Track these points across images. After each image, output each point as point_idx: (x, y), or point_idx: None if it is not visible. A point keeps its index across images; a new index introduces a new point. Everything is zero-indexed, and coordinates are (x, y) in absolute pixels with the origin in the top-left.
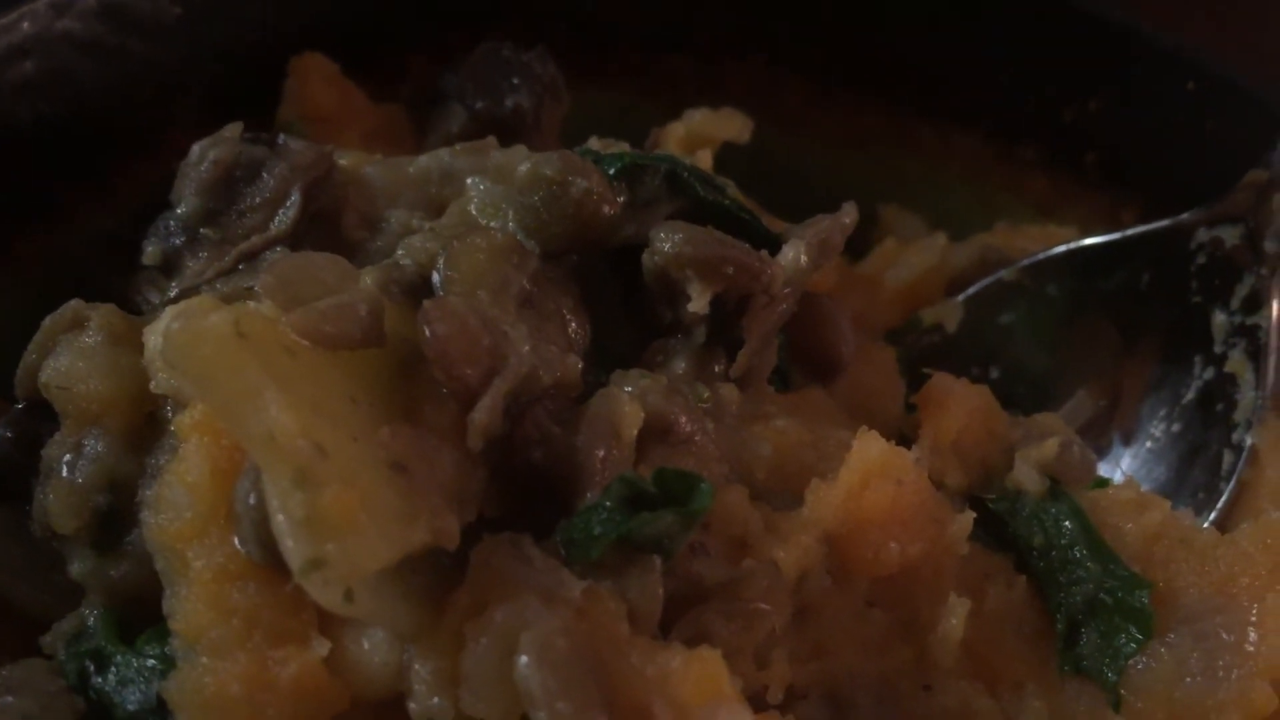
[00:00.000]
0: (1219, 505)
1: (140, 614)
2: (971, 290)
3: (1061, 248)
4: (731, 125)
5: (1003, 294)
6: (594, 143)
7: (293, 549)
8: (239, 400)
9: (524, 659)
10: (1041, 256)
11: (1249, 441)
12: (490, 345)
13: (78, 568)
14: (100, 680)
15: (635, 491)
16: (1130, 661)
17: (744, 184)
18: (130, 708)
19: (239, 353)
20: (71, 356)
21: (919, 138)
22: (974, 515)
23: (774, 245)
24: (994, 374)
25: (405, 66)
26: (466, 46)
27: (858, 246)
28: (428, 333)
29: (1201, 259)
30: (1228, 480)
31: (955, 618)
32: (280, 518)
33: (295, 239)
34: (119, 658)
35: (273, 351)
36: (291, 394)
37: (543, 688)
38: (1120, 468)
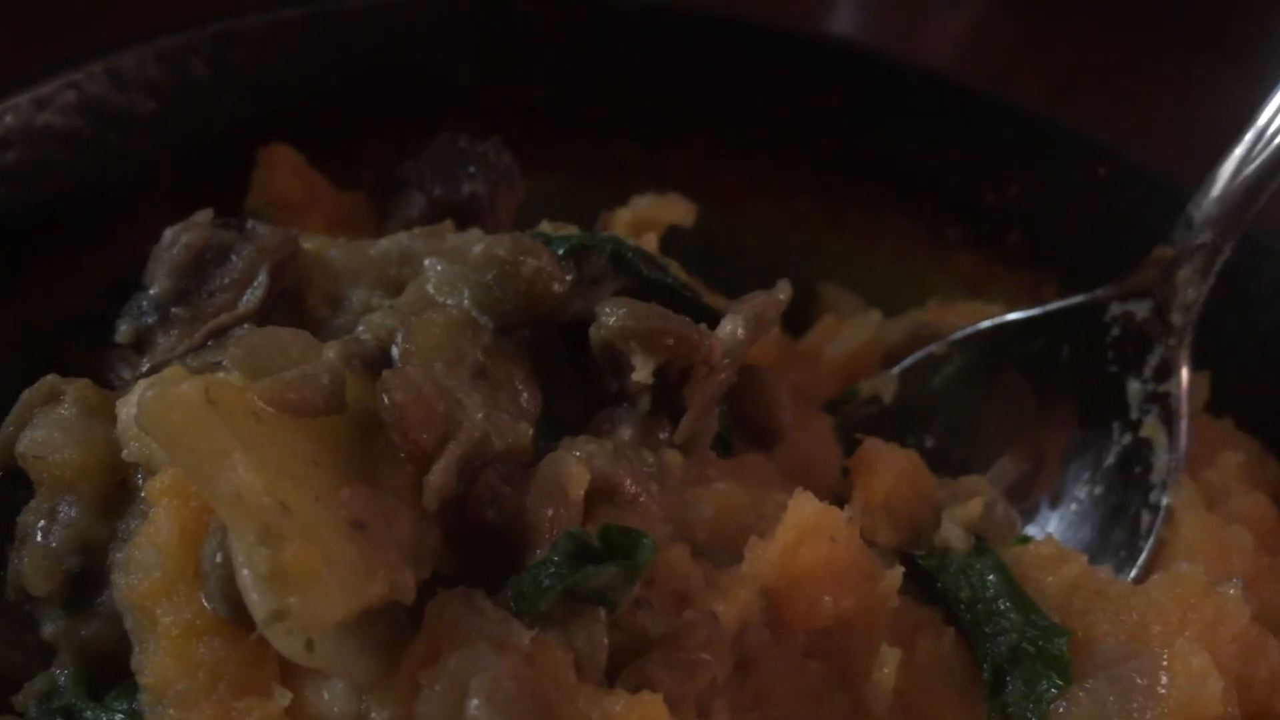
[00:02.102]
0: (1139, 562)
1: (109, 673)
2: (905, 363)
3: (987, 323)
4: (676, 210)
5: (934, 366)
6: (545, 226)
7: (257, 601)
8: (208, 461)
9: (474, 701)
10: (968, 331)
11: (1165, 502)
12: (445, 412)
13: (50, 629)
14: None
15: (581, 546)
16: (1052, 706)
17: (688, 264)
18: None
19: (208, 417)
20: (47, 428)
21: (851, 220)
22: (903, 570)
23: (714, 320)
24: (928, 442)
25: (366, 156)
26: (425, 137)
27: (799, 323)
28: (386, 400)
29: (1115, 331)
30: (1146, 538)
31: (887, 667)
32: (245, 572)
33: (262, 316)
34: (88, 713)
35: (240, 417)
36: (257, 456)
37: None
38: (1048, 529)
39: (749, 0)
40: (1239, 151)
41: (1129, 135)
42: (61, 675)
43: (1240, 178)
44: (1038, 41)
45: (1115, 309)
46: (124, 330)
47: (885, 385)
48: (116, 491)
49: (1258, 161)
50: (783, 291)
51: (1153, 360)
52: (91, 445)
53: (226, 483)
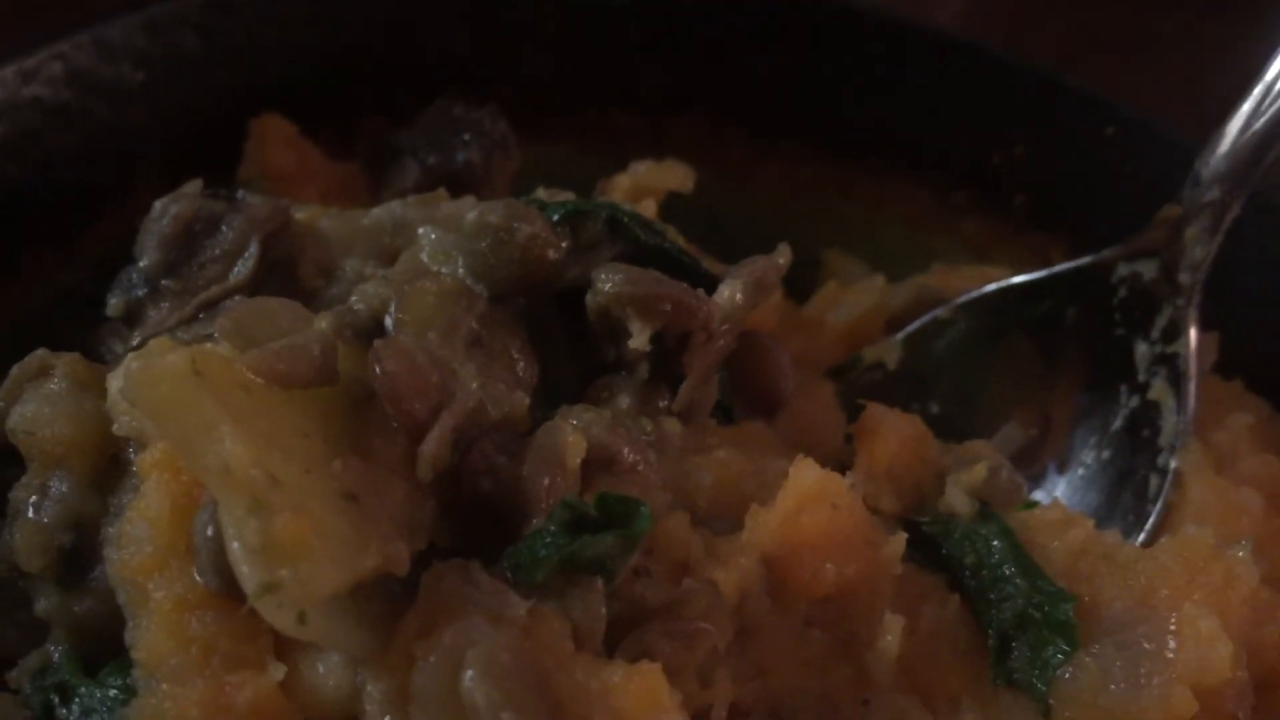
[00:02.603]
0: (1147, 527)
1: (103, 649)
2: (909, 328)
3: (992, 286)
4: (675, 176)
5: (939, 331)
6: (541, 193)
7: (247, 574)
8: (195, 434)
9: (469, 673)
10: (974, 295)
11: (1173, 465)
12: (438, 381)
13: (43, 605)
14: (64, 712)
15: (578, 515)
16: (1058, 672)
17: (692, 233)
18: None
19: (195, 389)
20: (37, 403)
21: (857, 186)
22: (906, 536)
23: (713, 285)
24: (934, 408)
25: (360, 126)
26: (420, 107)
27: (803, 290)
28: (378, 369)
29: (1123, 292)
30: (1155, 503)
31: (891, 635)
32: (235, 545)
33: (254, 288)
34: (82, 689)
35: (228, 388)
36: (245, 428)
37: (487, 700)
38: (1055, 494)
39: None
40: (1247, 107)
41: (1138, 98)
42: (55, 652)
43: (1249, 133)
44: (1045, 5)
45: (1122, 270)
46: (114, 304)
47: (889, 351)
48: (108, 466)
49: (1266, 116)
50: (782, 256)
51: (1160, 321)
52: (82, 420)
53: (214, 455)
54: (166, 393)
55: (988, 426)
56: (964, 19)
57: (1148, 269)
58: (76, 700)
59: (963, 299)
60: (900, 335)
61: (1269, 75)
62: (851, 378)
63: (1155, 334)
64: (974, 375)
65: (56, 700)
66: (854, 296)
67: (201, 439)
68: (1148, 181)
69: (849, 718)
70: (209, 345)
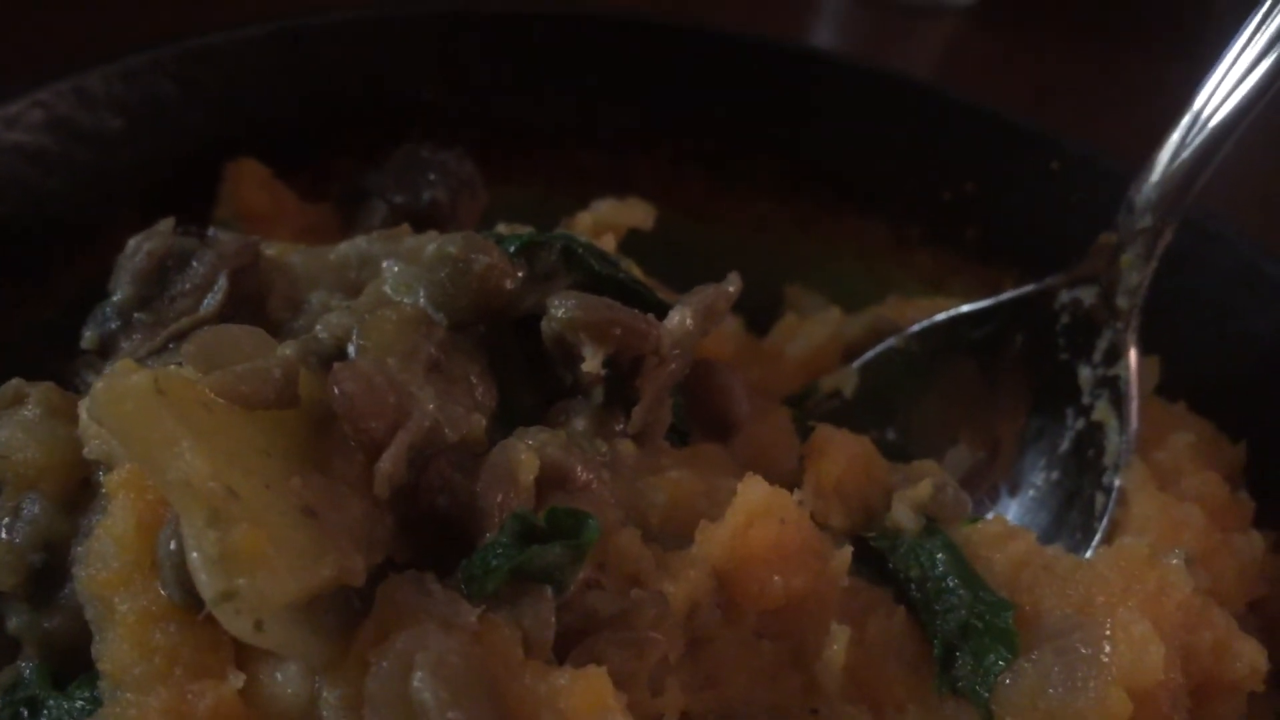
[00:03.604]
0: (1094, 544)
1: (73, 664)
2: (865, 357)
3: (942, 315)
4: (636, 213)
5: (892, 360)
6: (501, 228)
7: (205, 582)
8: (157, 448)
9: (419, 674)
10: (925, 324)
11: (1117, 483)
12: (395, 402)
13: (14, 623)
14: None
15: (528, 528)
16: (999, 679)
17: (654, 269)
18: None
19: (157, 406)
20: (11, 429)
21: (815, 222)
22: (852, 549)
23: (664, 313)
24: (890, 434)
25: (334, 169)
26: (391, 149)
27: (764, 323)
28: (336, 390)
29: (1065, 318)
30: (1100, 519)
31: (838, 645)
32: (195, 554)
33: (222, 320)
34: (50, 702)
35: (190, 407)
36: (206, 444)
37: (435, 699)
38: (1007, 515)
39: (735, 14)
40: (1175, 137)
41: (1107, 137)
42: (26, 668)
43: (1178, 161)
44: (1015, 53)
45: (1064, 296)
46: (89, 336)
47: (846, 379)
48: (78, 489)
49: (1193, 145)
50: (732, 284)
51: (1102, 345)
52: (54, 444)
53: (175, 469)
54: (130, 410)
55: (938, 450)
56: (942, 65)
57: (1088, 295)
58: (45, 712)
59: (915, 328)
60: (856, 364)
61: (1196, 104)
62: (809, 405)
63: (1097, 357)
64: (927, 402)
65: (25, 714)
66: (811, 327)
67: (163, 453)
68: (1092, 212)
69: None
70: (172, 367)
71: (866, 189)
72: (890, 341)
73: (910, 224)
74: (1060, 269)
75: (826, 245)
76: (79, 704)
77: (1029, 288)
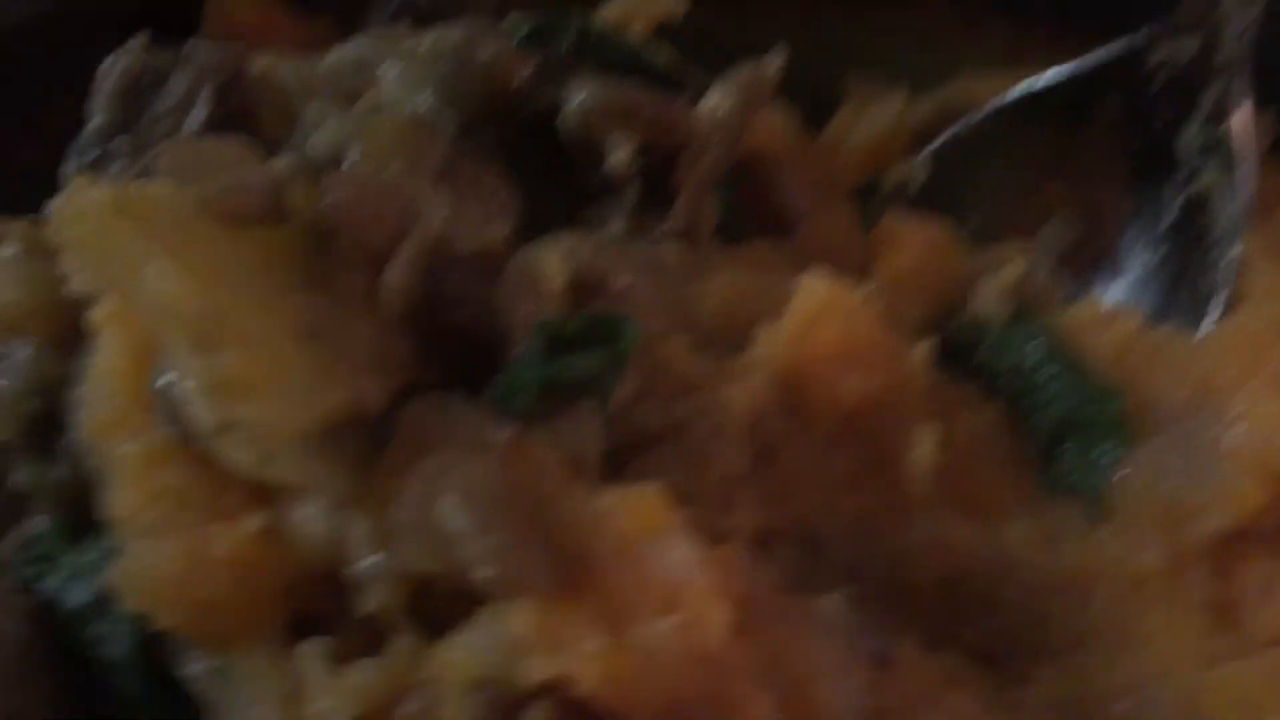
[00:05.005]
0: (1208, 322)
1: (86, 517)
2: (934, 144)
3: (1018, 89)
4: (665, 1)
5: (967, 143)
6: (515, 16)
7: (199, 414)
8: (127, 271)
9: (448, 498)
10: (1000, 100)
11: (1231, 255)
12: (399, 209)
13: (20, 476)
14: (50, 580)
15: (557, 336)
16: (1110, 473)
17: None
18: (74, 604)
19: (121, 225)
20: None
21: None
22: (932, 343)
23: (700, 99)
24: (970, 224)
25: None
26: None
27: (822, 118)
28: (332, 200)
29: (1162, 76)
30: (1215, 296)
31: (924, 446)
32: (185, 385)
33: None
34: (64, 558)
35: (160, 225)
36: (183, 263)
37: (470, 524)
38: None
39: None
40: None
41: None
42: (39, 522)
43: None
44: None
45: (1159, 53)
46: (69, 169)
47: (915, 169)
48: (69, 330)
49: None
50: (773, 60)
51: (1206, 103)
52: (37, 284)
53: (149, 293)
54: (92, 229)
55: (1024, 234)
56: None
57: (1187, 47)
58: (62, 569)
59: (988, 106)
60: (925, 152)
61: None
62: (875, 201)
63: (1201, 117)
64: (1005, 186)
65: (43, 571)
66: (873, 116)
67: (134, 275)
68: None
69: (885, 537)
70: (138, 181)
71: None
72: (961, 123)
73: None
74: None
75: (884, 23)
76: (93, 554)
77: (1116, 46)
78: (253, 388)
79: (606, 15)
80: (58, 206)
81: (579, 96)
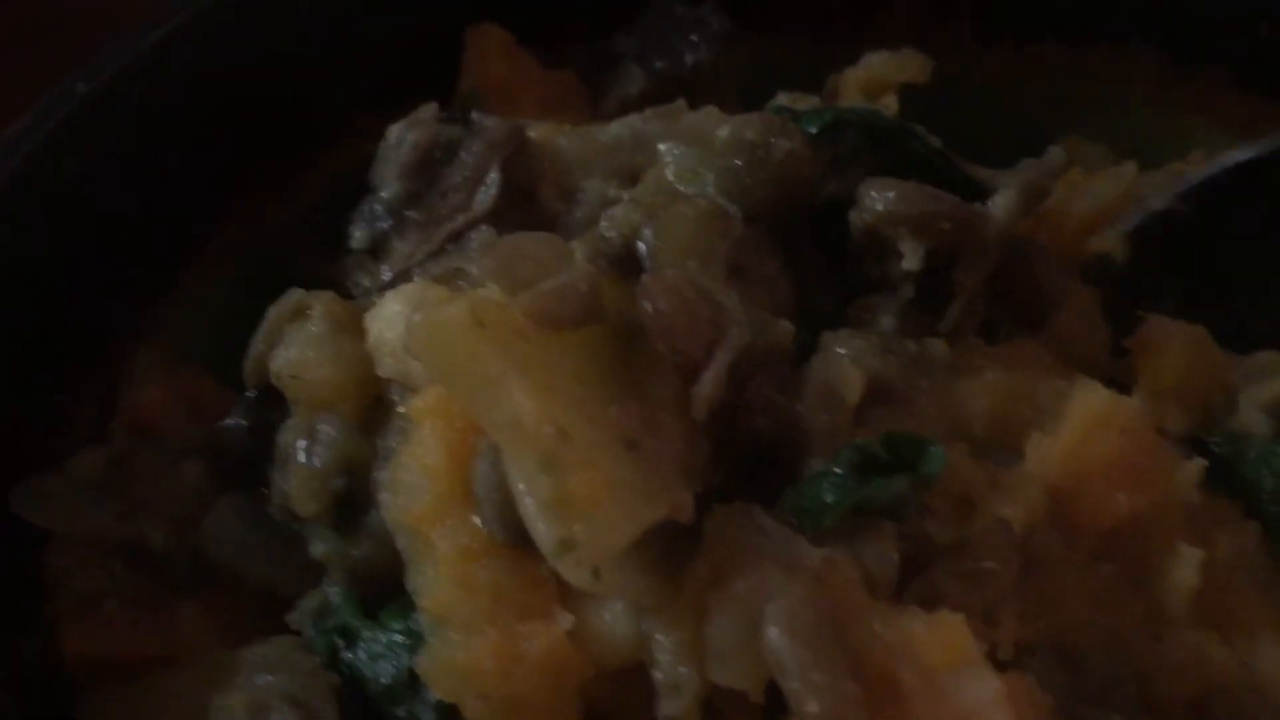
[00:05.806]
0: None
1: (379, 590)
2: (1131, 220)
3: (1219, 164)
4: (911, 66)
5: (1171, 222)
6: (782, 98)
7: (544, 532)
8: (483, 388)
9: (773, 630)
10: (1201, 175)
11: None
12: (709, 317)
13: (320, 549)
14: (350, 655)
15: (866, 457)
16: None
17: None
18: (384, 681)
19: (479, 341)
20: (300, 346)
21: (1097, 60)
22: (1204, 463)
23: (975, 192)
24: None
25: (567, 31)
26: (629, 6)
27: None
28: (650, 308)
29: None
30: None
31: (1188, 568)
32: (529, 500)
33: (497, 215)
34: (366, 633)
35: (508, 337)
36: (531, 379)
37: (795, 659)
38: None
39: None
40: None
41: None
42: (332, 593)
43: None
44: None
45: None
46: (359, 236)
47: (1116, 244)
48: (373, 408)
49: None
50: (1057, 159)
51: None
52: (344, 362)
53: (503, 410)
54: (451, 346)
55: (1270, 331)
56: None
57: None
58: (362, 645)
59: (1189, 181)
60: (1125, 225)
61: None
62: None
63: None
64: (1234, 271)
65: (341, 644)
66: (1100, 185)
67: (490, 393)
68: None
69: (1140, 654)
70: (481, 291)
71: (1159, 23)
72: (1161, 199)
73: (1215, 62)
74: None
75: (1111, 87)
76: (396, 637)
77: None
78: (591, 506)
79: (851, 82)
80: (415, 320)
81: (880, 200)
